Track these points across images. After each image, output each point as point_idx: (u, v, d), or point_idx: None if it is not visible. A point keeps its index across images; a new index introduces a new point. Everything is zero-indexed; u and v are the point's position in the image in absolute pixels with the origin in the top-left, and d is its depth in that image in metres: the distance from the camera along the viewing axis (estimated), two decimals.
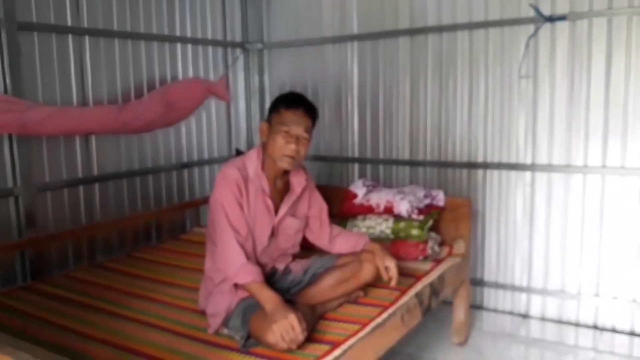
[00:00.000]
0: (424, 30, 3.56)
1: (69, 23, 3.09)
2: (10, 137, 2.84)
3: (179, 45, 3.76)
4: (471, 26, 3.40)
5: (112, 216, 3.34)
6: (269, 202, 2.24)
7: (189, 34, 3.83)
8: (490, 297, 3.57)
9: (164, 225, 3.60)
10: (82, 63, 3.17)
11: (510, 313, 3.49)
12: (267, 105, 4.20)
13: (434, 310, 2.70)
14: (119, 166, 3.42)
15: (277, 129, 2.15)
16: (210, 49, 4.01)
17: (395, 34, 3.67)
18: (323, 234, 2.48)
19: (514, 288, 3.47)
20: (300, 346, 1.93)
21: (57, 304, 2.48)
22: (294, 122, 2.14)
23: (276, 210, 2.28)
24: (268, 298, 1.99)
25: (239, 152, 3.98)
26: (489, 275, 3.55)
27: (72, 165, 3.16)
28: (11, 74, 2.80)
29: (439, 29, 3.51)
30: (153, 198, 3.64)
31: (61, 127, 2.90)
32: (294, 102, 2.19)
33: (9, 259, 2.87)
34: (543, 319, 3.39)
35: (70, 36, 3.10)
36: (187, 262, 3.02)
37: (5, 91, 2.79)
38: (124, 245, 3.37)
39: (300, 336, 1.89)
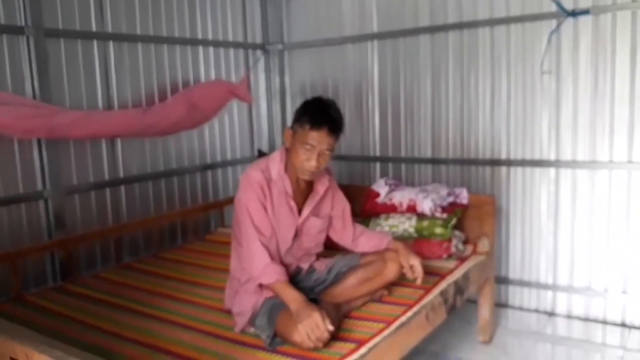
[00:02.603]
0: (445, 28, 3.55)
1: (94, 29, 3.16)
2: (39, 141, 2.92)
3: (200, 48, 3.81)
4: (492, 22, 3.38)
5: (138, 217, 3.41)
6: (292, 203, 2.25)
7: (210, 37, 3.88)
8: (516, 295, 3.55)
9: (188, 225, 3.65)
10: (106, 67, 3.24)
11: (536, 311, 3.47)
12: (289, 105, 4.32)
13: (458, 308, 2.69)
14: (144, 168, 3.49)
15: (300, 142, 2.13)
16: (231, 50, 4.06)
17: (415, 31, 3.67)
18: (346, 233, 2.49)
19: (539, 286, 3.44)
20: (326, 344, 1.95)
21: (88, 304, 2.53)
22: (317, 142, 2.11)
23: (299, 211, 2.29)
24: (292, 297, 2.02)
25: (261, 153, 4.01)
26: (513, 273, 3.53)
27: (98, 168, 3.23)
28: (39, 79, 2.88)
29: (460, 26, 3.49)
30: (178, 199, 3.70)
31: (87, 131, 2.95)
32: (318, 120, 2.11)
33: (40, 260, 2.95)
34: (569, 316, 3.37)
35: (95, 41, 3.17)
36: (212, 262, 3.06)
37: (34, 96, 2.87)
38: (150, 246, 3.43)
39: (326, 334, 1.91)
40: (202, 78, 3.83)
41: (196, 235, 3.68)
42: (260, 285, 2.15)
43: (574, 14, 3.08)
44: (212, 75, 3.90)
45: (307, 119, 2.12)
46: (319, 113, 2.13)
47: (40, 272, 2.96)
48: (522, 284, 3.50)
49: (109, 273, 2.99)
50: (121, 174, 3.35)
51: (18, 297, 2.62)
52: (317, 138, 2.10)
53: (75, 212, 3.12)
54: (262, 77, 4.36)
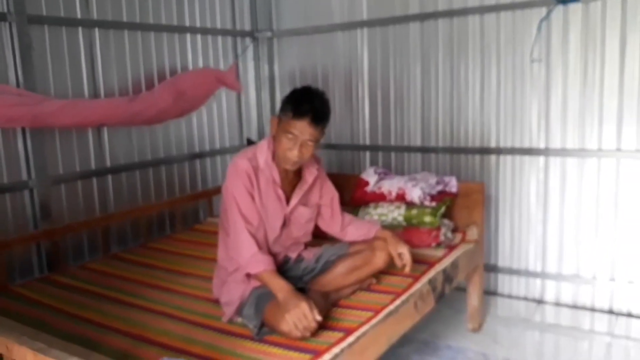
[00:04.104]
0: (435, 15, 3.52)
1: (79, 15, 3.10)
2: (23, 130, 2.87)
3: (188, 36, 3.76)
4: (482, 10, 3.36)
5: (125, 207, 3.37)
6: (280, 192, 2.24)
7: (198, 24, 3.83)
8: (505, 282, 3.56)
9: (177, 215, 3.62)
10: (92, 55, 3.19)
11: (525, 299, 3.49)
12: (278, 94, 4.28)
13: (447, 296, 2.70)
14: (132, 157, 3.45)
15: (283, 130, 2.11)
16: (219, 38, 4.01)
17: (405, 19, 3.64)
18: (335, 222, 2.48)
19: (528, 273, 3.46)
20: (314, 333, 1.94)
21: (74, 295, 2.51)
22: (300, 131, 2.08)
23: (288, 200, 2.28)
24: (280, 287, 2.00)
25: (250, 142, 3.99)
26: (503, 261, 3.54)
27: (85, 157, 3.19)
28: (23, 67, 2.82)
29: (450, 14, 3.47)
30: (166, 189, 3.67)
31: (72, 120, 2.91)
32: (301, 109, 2.08)
33: (26, 251, 2.91)
34: (558, 304, 3.39)
35: (80, 29, 3.11)
36: (201, 252, 3.04)
37: (18, 84, 2.82)
38: (138, 236, 3.40)
39: (313, 323, 1.90)
40: (190, 66, 3.78)
41: (185, 225, 3.65)
42: (248, 275, 2.13)
43: (564, 1, 3.07)
44: (200, 63, 3.85)
45: (291, 107, 2.10)
46: (303, 102, 2.10)
47: (27, 263, 2.92)
48: (511, 272, 3.51)
49: (96, 264, 2.96)
50: (108, 163, 3.31)
51: (3, 288, 2.59)
52: (299, 127, 2.08)
53: (62, 202, 3.08)
54: (251, 65, 4.31)
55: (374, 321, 2.11)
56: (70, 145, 3.11)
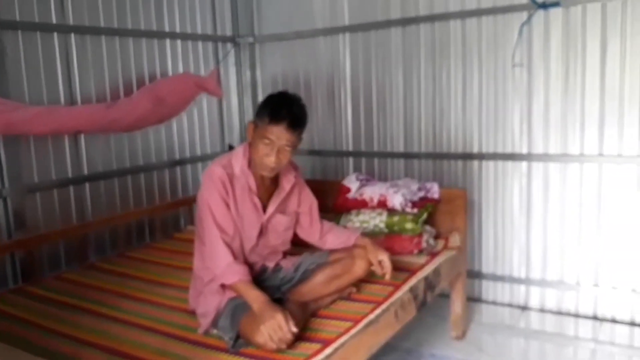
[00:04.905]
0: (416, 20, 3.51)
1: (54, 20, 3.04)
2: None
3: (168, 41, 3.71)
4: (464, 15, 3.34)
5: (104, 216, 3.30)
6: (256, 200, 2.19)
7: (178, 29, 3.78)
8: (489, 289, 3.54)
9: (156, 223, 3.56)
10: (68, 61, 3.12)
11: (509, 305, 3.46)
12: (260, 99, 4.17)
13: (429, 304, 2.65)
14: (110, 164, 3.38)
15: (259, 137, 2.07)
16: (200, 44, 3.96)
17: (386, 24, 3.62)
18: (314, 230, 2.44)
19: (512, 280, 3.43)
20: (291, 345, 1.90)
21: (47, 307, 2.44)
22: (276, 136, 2.04)
23: (264, 208, 2.23)
24: (255, 298, 1.96)
25: (231, 148, 3.93)
26: (486, 267, 3.52)
27: (61, 165, 3.12)
28: None
29: (431, 19, 3.45)
30: (145, 196, 3.60)
31: (47, 126, 2.84)
32: (278, 114, 2.04)
33: None
34: (542, 310, 3.36)
35: (55, 34, 3.05)
36: (180, 261, 2.97)
37: None
38: (116, 245, 3.33)
39: (289, 335, 1.85)
40: (170, 72, 3.72)
41: (165, 233, 3.59)
42: (223, 285, 2.08)
43: (544, 5, 3.06)
44: (180, 69, 3.80)
45: (267, 112, 2.06)
46: (280, 108, 2.06)
47: (0, 274, 2.84)
48: (495, 278, 3.49)
49: (73, 274, 2.89)
50: (85, 171, 3.24)
51: None
52: (276, 133, 2.04)
53: (37, 211, 3.01)
54: (232, 70, 4.26)
55: (353, 331, 2.06)
56: (46, 153, 3.04)
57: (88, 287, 2.69)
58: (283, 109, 2.06)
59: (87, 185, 3.25)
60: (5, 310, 2.41)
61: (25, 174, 2.94)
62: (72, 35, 3.13)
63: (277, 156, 2.07)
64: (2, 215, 2.87)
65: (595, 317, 3.21)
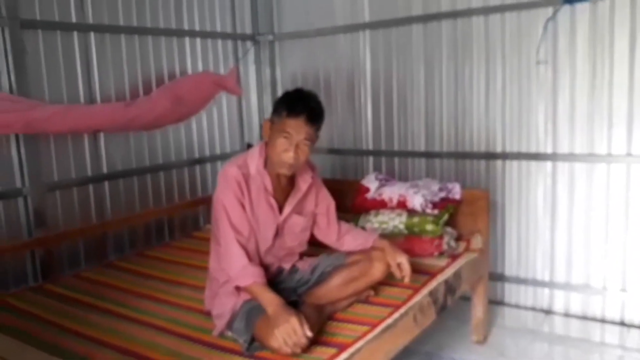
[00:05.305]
0: (438, 17, 3.43)
1: (74, 19, 3.04)
2: (17, 137, 2.82)
3: (187, 40, 3.69)
4: (487, 10, 3.26)
5: (123, 214, 3.31)
6: (272, 200, 2.16)
7: (197, 28, 3.76)
8: (512, 292, 3.44)
9: (176, 222, 3.56)
10: (88, 60, 3.13)
11: (533, 309, 3.37)
12: None
13: (449, 308, 2.59)
14: (129, 163, 3.38)
15: (277, 133, 2.05)
16: (219, 42, 3.94)
17: (407, 21, 3.55)
18: (331, 231, 2.40)
19: (535, 283, 3.34)
20: (306, 349, 1.86)
21: (64, 305, 2.45)
22: (295, 130, 2.02)
23: (281, 209, 2.20)
24: (269, 300, 1.92)
25: (250, 147, 3.91)
26: (509, 269, 3.43)
27: (81, 164, 3.13)
28: (16, 72, 2.76)
29: (454, 15, 3.37)
30: (165, 195, 3.60)
31: (66, 125, 2.85)
32: (296, 108, 2.04)
33: (20, 259, 2.86)
34: (567, 315, 3.26)
35: (75, 33, 3.06)
36: (199, 261, 2.94)
37: (11, 90, 2.76)
38: (135, 244, 3.34)
39: (303, 339, 1.81)
40: (189, 70, 3.71)
41: (184, 232, 3.59)
42: (237, 287, 2.05)
43: (571, 1, 2.96)
44: (200, 68, 3.78)
45: (285, 107, 2.05)
46: (298, 101, 2.06)
47: (21, 272, 2.87)
48: (518, 281, 3.40)
49: (91, 272, 2.90)
50: (105, 170, 3.24)
51: None
52: (295, 126, 2.02)
53: (57, 210, 3.02)
54: (252, 68, 4.23)
55: (370, 336, 2.02)
56: (65, 152, 3.05)
57: (105, 286, 2.69)
58: (301, 102, 2.05)
59: (106, 183, 3.26)
60: (23, 307, 2.43)
61: (45, 173, 2.95)
62: (92, 34, 3.13)
63: (296, 151, 2.04)
64: (23, 214, 2.88)
65: (622, 323, 3.10)
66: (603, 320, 3.15)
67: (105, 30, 3.19)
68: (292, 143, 2.03)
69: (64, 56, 3.01)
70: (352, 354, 1.90)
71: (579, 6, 2.96)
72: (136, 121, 3.18)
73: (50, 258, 2.90)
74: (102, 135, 3.22)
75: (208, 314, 2.24)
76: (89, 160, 3.17)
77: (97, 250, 3.12)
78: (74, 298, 2.54)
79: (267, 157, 2.15)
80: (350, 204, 3.05)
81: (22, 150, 2.84)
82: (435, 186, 2.96)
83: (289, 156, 2.04)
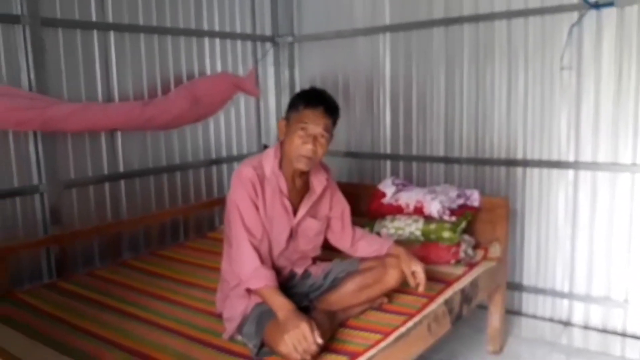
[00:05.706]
0: (460, 20, 3.38)
1: (94, 18, 3.05)
2: (35, 134, 2.84)
3: (206, 40, 3.69)
4: (510, 15, 3.19)
5: (138, 213, 3.31)
6: (287, 202, 2.13)
7: (217, 28, 3.75)
8: (530, 302, 3.36)
9: (191, 222, 3.55)
10: (107, 59, 3.13)
11: (551, 320, 3.28)
12: None
13: (465, 317, 2.54)
14: (146, 163, 3.39)
15: (294, 127, 2.04)
16: (239, 43, 3.93)
17: (429, 24, 3.50)
18: (345, 236, 2.36)
19: (554, 293, 3.26)
20: (316, 356, 1.82)
21: (76, 303, 2.45)
22: (313, 121, 2.02)
23: (295, 211, 2.17)
24: (280, 305, 1.89)
25: (266, 149, 3.89)
26: (528, 279, 3.35)
27: (97, 162, 3.14)
28: (35, 70, 2.79)
29: (476, 19, 3.31)
30: (181, 195, 3.60)
31: (84, 123, 2.87)
32: (313, 99, 2.06)
33: (35, 255, 2.87)
34: (586, 327, 3.17)
35: (95, 32, 3.07)
36: (212, 261, 2.93)
37: (30, 88, 2.78)
38: (150, 243, 3.33)
39: (313, 346, 1.77)
40: (208, 71, 3.71)
41: (198, 233, 3.58)
42: (248, 290, 2.02)
43: (597, 5, 2.89)
44: (219, 68, 3.78)
45: (302, 100, 2.07)
46: (314, 94, 2.09)
47: (36, 268, 2.88)
48: (537, 291, 3.32)
49: (105, 271, 2.90)
50: (121, 169, 3.25)
51: (8, 293, 2.54)
52: (313, 117, 2.01)
53: (73, 207, 3.03)
54: (271, 70, 4.22)
55: (382, 345, 1.98)
56: (82, 150, 3.06)
57: (118, 284, 2.69)
58: (319, 95, 2.08)
59: (122, 182, 3.26)
60: (36, 304, 2.43)
61: (62, 170, 2.97)
62: (112, 32, 3.14)
63: (314, 144, 2.03)
64: (39, 211, 2.90)
65: None
66: (624, 334, 3.05)
67: (124, 29, 3.19)
68: (310, 135, 2.03)
69: (83, 55, 3.02)
70: None
71: (605, 11, 2.89)
72: (153, 121, 3.19)
73: (64, 255, 2.90)
74: (119, 134, 3.22)
75: (219, 317, 2.21)
76: (106, 159, 3.18)
77: (111, 248, 3.12)
78: (86, 296, 2.54)
79: (282, 158, 2.12)
80: (366, 208, 3.02)
81: (40, 147, 2.86)
82: (453, 192, 2.91)
83: (307, 148, 2.02)
